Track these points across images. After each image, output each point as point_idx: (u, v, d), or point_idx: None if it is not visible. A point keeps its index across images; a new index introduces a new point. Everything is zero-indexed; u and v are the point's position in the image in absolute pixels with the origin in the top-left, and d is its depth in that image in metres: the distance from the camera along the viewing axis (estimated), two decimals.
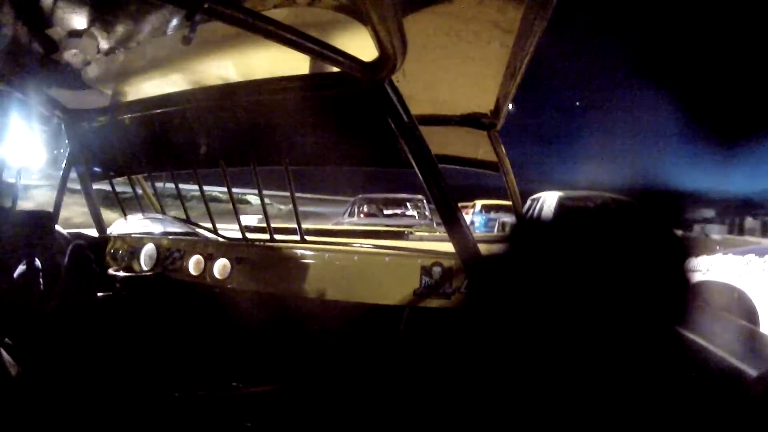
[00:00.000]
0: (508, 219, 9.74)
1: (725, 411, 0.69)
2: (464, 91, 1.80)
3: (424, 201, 7.34)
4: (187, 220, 2.09)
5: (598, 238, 0.69)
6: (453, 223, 1.36)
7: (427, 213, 7.18)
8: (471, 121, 2.02)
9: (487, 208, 10.97)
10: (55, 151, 2.00)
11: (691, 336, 0.85)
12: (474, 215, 10.98)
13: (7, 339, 1.24)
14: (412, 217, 7.27)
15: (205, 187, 1.95)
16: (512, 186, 2.27)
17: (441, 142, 2.04)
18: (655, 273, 0.69)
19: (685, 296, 0.77)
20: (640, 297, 0.68)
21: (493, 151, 2.15)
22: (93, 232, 2.23)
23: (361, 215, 7.21)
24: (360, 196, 7.71)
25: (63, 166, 2.09)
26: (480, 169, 2.44)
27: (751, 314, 2.61)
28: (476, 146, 2.23)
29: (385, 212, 7.57)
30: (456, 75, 1.65)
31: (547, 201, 6.01)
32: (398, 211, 7.62)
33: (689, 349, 0.84)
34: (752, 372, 0.71)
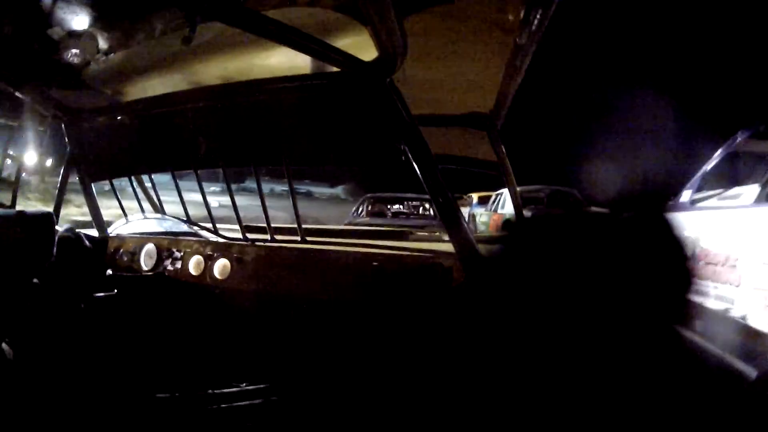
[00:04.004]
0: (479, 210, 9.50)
1: (725, 410, 0.69)
2: (464, 91, 1.80)
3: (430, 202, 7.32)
4: (188, 220, 2.09)
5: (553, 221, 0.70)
6: (453, 223, 1.36)
7: (432, 213, 7.18)
8: (471, 121, 2.02)
9: (483, 200, 10.17)
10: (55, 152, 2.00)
11: (691, 335, 0.85)
12: (473, 208, 10.36)
13: (7, 340, 1.24)
14: (420, 217, 7.26)
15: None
16: (513, 186, 2.27)
17: (441, 142, 2.04)
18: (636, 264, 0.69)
19: (675, 290, 0.78)
20: (633, 293, 0.68)
21: (493, 151, 2.15)
22: (93, 232, 2.23)
23: (369, 215, 7.21)
24: (368, 195, 7.69)
25: (63, 166, 2.09)
26: (480, 170, 2.44)
27: None
28: (476, 146, 2.23)
29: (392, 212, 7.57)
30: (456, 75, 1.65)
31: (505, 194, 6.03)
32: (405, 211, 7.62)
33: (689, 348, 0.84)
34: (752, 372, 0.71)
